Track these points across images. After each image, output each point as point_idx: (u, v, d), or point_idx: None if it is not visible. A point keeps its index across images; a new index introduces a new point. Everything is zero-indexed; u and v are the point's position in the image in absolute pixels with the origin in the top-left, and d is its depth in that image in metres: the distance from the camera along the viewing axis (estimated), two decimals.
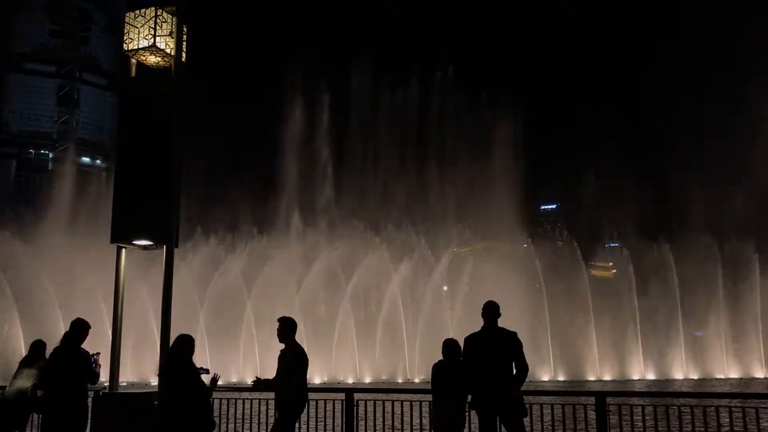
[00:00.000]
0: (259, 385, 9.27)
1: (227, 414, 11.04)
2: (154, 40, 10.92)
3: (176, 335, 8.93)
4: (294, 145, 53.94)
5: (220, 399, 11.05)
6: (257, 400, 11.18)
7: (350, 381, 44.98)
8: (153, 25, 10.92)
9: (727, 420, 8.60)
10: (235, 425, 11.27)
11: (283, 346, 9.22)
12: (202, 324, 43.01)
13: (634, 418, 9.09)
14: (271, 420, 9.78)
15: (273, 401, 9.24)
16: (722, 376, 57.54)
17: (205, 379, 8.89)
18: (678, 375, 57.23)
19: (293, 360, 9.01)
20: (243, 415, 11.20)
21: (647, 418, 8.91)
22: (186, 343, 8.73)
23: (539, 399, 9.79)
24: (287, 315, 9.48)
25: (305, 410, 9.43)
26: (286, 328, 9.16)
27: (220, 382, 9.20)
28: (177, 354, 8.65)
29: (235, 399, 11.31)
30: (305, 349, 9.23)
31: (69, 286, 42.91)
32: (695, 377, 56.76)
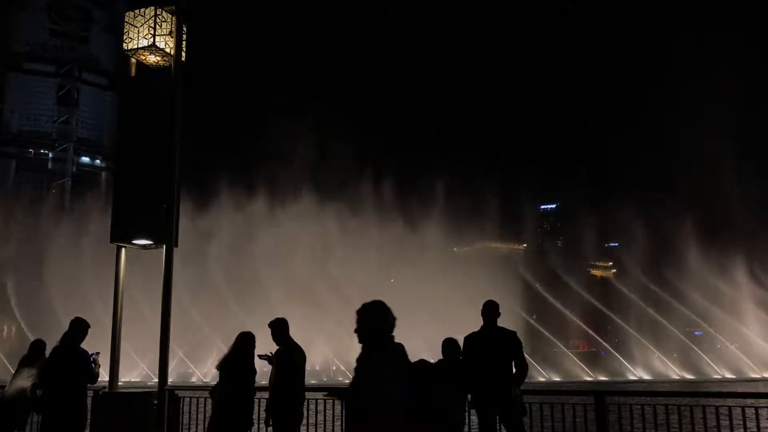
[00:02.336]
0: (271, 360, 8.91)
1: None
2: (154, 39, 10.92)
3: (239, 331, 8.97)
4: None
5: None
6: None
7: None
8: (153, 25, 10.92)
9: (727, 420, 8.61)
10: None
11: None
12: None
13: (634, 417, 9.09)
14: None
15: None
16: (719, 377, 57.60)
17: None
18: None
19: (301, 359, 8.93)
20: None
21: (647, 417, 8.91)
22: (249, 340, 8.76)
23: (538, 398, 9.78)
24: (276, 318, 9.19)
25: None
26: (282, 328, 8.94)
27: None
28: (241, 351, 8.67)
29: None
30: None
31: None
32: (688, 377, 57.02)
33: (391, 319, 5.02)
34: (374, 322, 4.96)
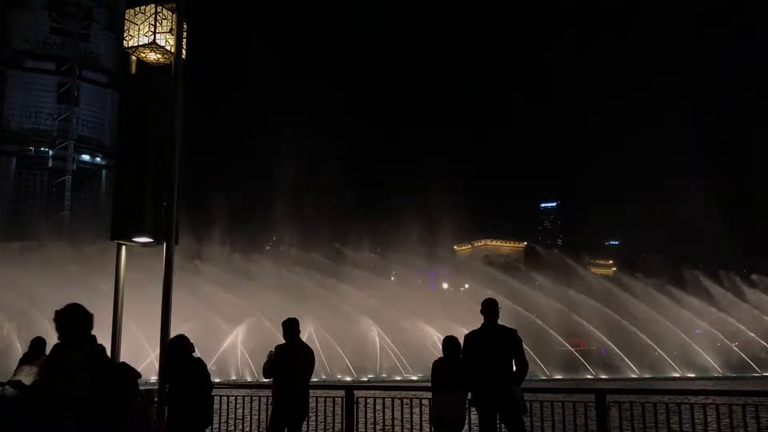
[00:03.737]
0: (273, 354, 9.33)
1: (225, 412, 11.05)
2: (154, 36, 10.88)
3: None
4: None
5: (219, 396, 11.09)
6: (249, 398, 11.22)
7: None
8: (153, 22, 10.89)
9: (728, 418, 8.61)
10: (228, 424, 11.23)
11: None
12: None
13: (634, 414, 9.09)
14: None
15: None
16: (719, 375, 57.62)
17: None
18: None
19: (311, 357, 9.36)
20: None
21: (647, 414, 8.92)
22: (184, 341, 8.79)
23: (539, 396, 9.79)
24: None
25: None
26: (292, 327, 9.41)
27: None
28: (178, 352, 8.69)
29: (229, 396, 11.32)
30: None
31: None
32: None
33: (85, 321, 5.37)
34: (68, 324, 5.33)
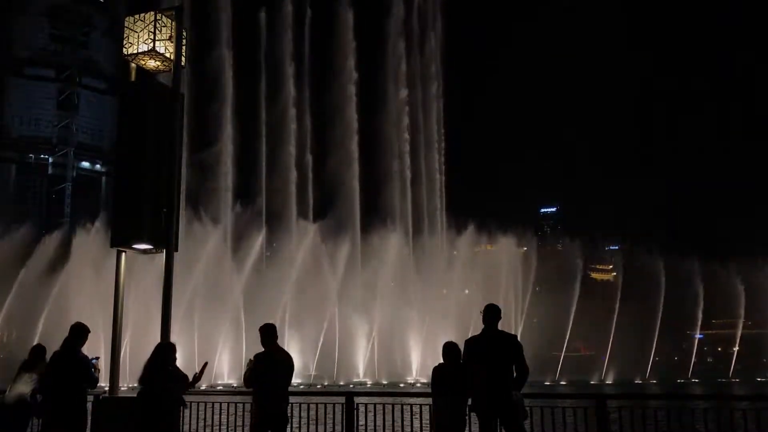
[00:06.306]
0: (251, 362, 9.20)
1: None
2: (154, 44, 10.93)
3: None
4: None
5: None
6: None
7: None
8: (153, 30, 10.93)
9: (729, 421, 8.59)
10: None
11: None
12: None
13: (635, 420, 9.07)
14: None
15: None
16: (723, 379, 57.47)
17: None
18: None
19: (290, 364, 9.14)
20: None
21: (647, 420, 8.90)
22: (168, 350, 8.81)
23: (540, 402, 9.77)
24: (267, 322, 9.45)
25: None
26: (269, 333, 9.16)
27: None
28: (158, 362, 8.71)
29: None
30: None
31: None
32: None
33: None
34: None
